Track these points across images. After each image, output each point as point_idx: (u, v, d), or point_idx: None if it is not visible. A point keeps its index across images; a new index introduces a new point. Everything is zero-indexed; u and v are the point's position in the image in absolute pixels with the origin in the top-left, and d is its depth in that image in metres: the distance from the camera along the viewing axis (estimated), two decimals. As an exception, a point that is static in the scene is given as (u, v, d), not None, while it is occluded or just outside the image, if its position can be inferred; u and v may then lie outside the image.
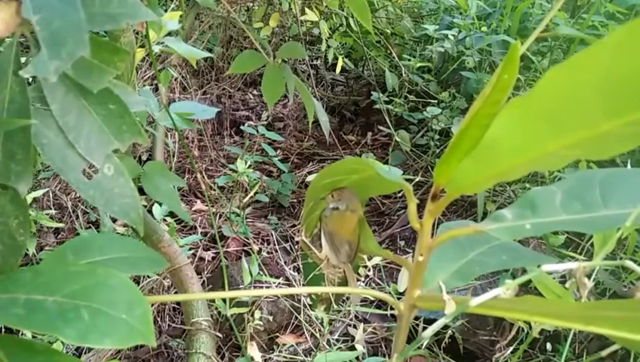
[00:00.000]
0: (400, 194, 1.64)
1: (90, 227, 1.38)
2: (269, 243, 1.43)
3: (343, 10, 1.86)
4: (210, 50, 1.93)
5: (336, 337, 1.15)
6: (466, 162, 0.28)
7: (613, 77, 0.21)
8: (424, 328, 1.09)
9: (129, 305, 0.29)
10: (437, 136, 1.63)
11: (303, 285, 1.18)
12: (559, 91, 0.23)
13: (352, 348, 1.07)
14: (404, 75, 1.84)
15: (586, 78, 0.22)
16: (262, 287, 1.20)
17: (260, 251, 1.36)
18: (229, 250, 1.39)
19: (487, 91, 0.26)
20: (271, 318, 1.14)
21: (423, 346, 1.07)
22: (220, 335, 1.06)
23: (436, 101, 1.72)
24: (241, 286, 1.16)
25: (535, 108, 0.24)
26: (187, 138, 1.80)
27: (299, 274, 1.31)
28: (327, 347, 1.10)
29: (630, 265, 0.28)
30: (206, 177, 1.65)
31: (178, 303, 1.21)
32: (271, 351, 1.11)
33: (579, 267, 0.28)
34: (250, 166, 1.48)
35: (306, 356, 1.09)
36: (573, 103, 0.23)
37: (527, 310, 0.29)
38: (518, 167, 0.27)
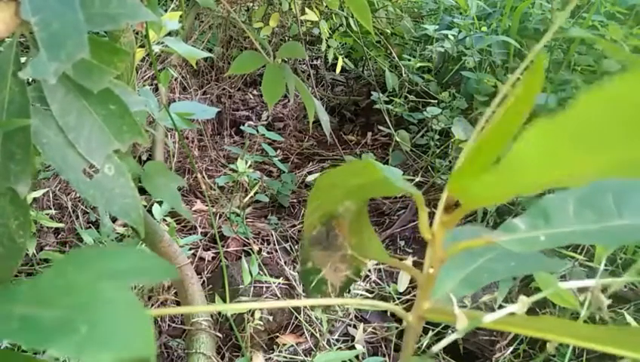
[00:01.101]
0: (400, 194, 1.64)
1: (90, 227, 1.38)
2: (269, 243, 1.43)
3: (343, 10, 1.86)
4: (210, 50, 1.93)
5: (336, 337, 1.15)
6: (488, 175, 0.27)
7: None
8: (424, 328, 1.09)
9: (129, 318, 0.29)
10: (437, 136, 1.63)
11: (303, 289, 1.18)
12: (593, 115, 0.22)
13: (352, 348, 1.07)
14: (404, 75, 1.84)
15: (628, 103, 0.21)
16: (262, 287, 1.20)
17: (260, 251, 1.36)
18: (229, 250, 1.39)
19: (511, 101, 0.25)
20: (271, 318, 1.14)
21: (423, 346, 1.07)
22: (220, 335, 1.06)
23: (436, 101, 1.72)
24: (241, 286, 1.16)
25: (568, 130, 0.23)
26: (187, 138, 1.80)
27: (299, 274, 1.31)
28: (327, 347, 1.10)
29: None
30: (206, 177, 1.65)
31: (178, 303, 1.21)
32: (271, 351, 1.11)
33: (597, 285, 0.28)
34: (250, 166, 1.48)
35: (306, 356, 1.09)
36: (611, 129, 0.22)
37: (543, 328, 0.28)
38: (541, 184, 0.26)
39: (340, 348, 1.11)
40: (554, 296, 0.49)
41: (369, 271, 1.13)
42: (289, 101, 2.14)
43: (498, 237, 0.31)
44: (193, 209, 1.56)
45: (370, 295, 1.19)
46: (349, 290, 1.15)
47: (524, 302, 0.29)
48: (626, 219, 0.30)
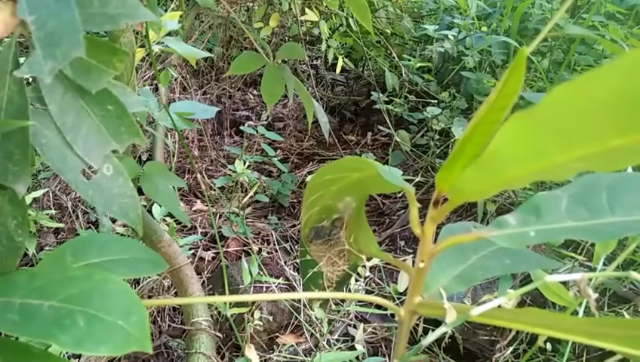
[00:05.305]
0: (400, 194, 1.64)
1: (90, 227, 1.38)
2: (269, 243, 1.43)
3: (343, 11, 1.86)
4: (210, 50, 1.93)
5: (336, 337, 1.15)
6: (470, 170, 0.27)
7: (626, 95, 0.21)
8: (424, 328, 1.09)
9: (125, 310, 0.28)
10: (437, 136, 1.63)
11: (303, 285, 1.18)
12: (567, 107, 0.22)
13: (352, 348, 1.07)
14: (404, 75, 1.84)
15: (596, 95, 0.21)
16: (262, 287, 1.20)
17: (259, 251, 1.36)
18: (229, 250, 1.39)
19: (493, 97, 0.25)
20: (271, 318, 1.14)
21: (423, 346, 1.07)
22: (220, 335, 1.05)
23: (436, 101, 1.72)
24: (240, 286, 1.16)
25: (541, 122, 0.23)
26: (187, 138, 1.80)
27: (299, 274, 1.31)
28: (327, 347, 1.10)
29: (636, 276, 0.28)
30: (206, 177, 1.65)
31: (178, 303, 1.21)
32: (271, 351, 1.11)
33: (582, 278, 0.28)
34: (249, 166, 1.48)
35: (306, 356, 1.09)
36: (581, 119, 0.22)
37: (530, 321, 0.28)
38: (522, 178, 0.26)
39: (340, 348, 1.11)
40: (549, 293, 0.49)
41: (369, 271, 1.13)
42: (289, 101, 2.14)
43: (488, 232, 0.31)
44: (193, 209, 1.56)
45: (370, 295, 1.19)
46: (350, 290, 1.15)
47: (510, 295, 0.29)
48: (618, 216, 0.30)
